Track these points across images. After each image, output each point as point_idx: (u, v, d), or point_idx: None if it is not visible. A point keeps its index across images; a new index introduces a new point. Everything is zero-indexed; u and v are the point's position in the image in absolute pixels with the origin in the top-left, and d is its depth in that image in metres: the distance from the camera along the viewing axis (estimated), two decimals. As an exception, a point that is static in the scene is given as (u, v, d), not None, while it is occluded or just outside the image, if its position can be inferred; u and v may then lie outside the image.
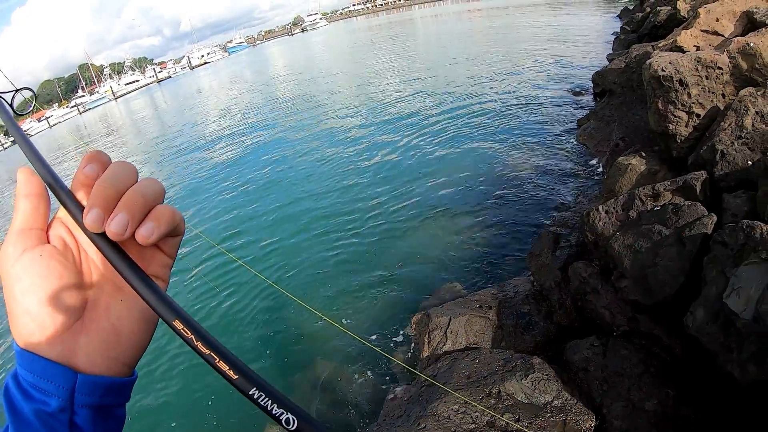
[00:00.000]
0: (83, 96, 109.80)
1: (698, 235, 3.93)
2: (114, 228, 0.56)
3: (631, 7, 23.48)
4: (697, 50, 5.77)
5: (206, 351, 0.57)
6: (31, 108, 1.01)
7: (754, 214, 3.74)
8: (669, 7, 11.94)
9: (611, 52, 15.27)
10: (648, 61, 5.65)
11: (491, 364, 4.48)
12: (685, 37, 6.37)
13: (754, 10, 5.91)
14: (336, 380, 6.01)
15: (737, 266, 3.26)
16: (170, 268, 0.68)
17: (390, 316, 6.81)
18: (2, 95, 0.83)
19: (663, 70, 5.35)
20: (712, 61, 5.07)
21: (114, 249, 0.59)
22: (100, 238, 0.58)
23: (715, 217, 3.94)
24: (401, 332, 6.36)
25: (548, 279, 5.73)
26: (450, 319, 5.51)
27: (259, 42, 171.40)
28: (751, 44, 4.86)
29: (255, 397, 0.56)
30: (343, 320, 7.08)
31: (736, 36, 5.23)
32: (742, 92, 4.62)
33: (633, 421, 3.63)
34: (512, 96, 15.65)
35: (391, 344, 6.28)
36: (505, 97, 15.80)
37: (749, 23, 5.95)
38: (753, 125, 4.38)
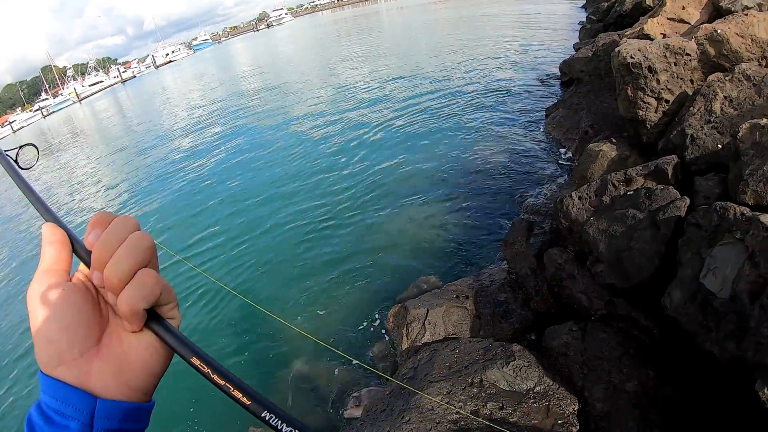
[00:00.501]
0: (47, 99, 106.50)
1: (672, 217, 3.98)
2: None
3: (595, -3, 23.80)
4: (664, 38, 5.85)
5: (222, 382, 0.65)
6: (35, 162, 1.06)
7: (726, 195, 3.80)
8: (634, -3, 12.11)
9: (578, 41, 15.43)
10: (617, 49, 5.71)
11: (471, 354, 4.48)
12: (652, 25, 6.45)
13: (719, -2, 6.02)
14: (317, 379, 5.96)
15: (712, 247, 3.31)
16: (176, 307, 0.72)
17: (367, 310, 6.77)
18: (7, 153, 0.96)
19: (632, 57, 5.41)
20: (680, 48, 5.14)
21: None
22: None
23: (688, 200, 4.00)
24: (379, 326, 6.33)
25: (523, 266, 5.75)
26: (427, 311, 5.50)
27: (224, 39, 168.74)
28: (719, 31, 4.94)
29: (267, 419, 0.64)
30: (319, 313, 7.04)
31: (702, 23, 5.32)
32: (711, 78, 4.70)
33: (615, 402, 3.67)
34: (480, 86, 15.72)
35: (370, 339, 6.25)
36: (472, 88, 15.86)
37: (715, 11, 6.06)
38: (722, 109, 4.46)
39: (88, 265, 0.69)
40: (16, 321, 9.82)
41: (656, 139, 5.40)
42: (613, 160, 5.95)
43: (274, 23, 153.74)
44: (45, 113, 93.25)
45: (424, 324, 5.42)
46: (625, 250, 4.27)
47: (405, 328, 5.51)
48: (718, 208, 3.34)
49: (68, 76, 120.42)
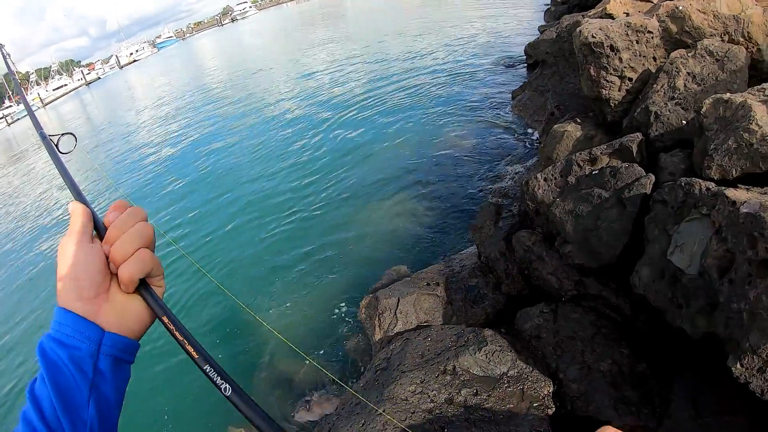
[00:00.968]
0: (11, 106, 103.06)
1: (638, 195, 3.97)
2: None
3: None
4: (627, 16, 5.84)
5: (180, 338, 0.88)
6: (73, 148, 1.34)
7: (691, 171, 3.80)
8: (596, -23, 12.13)
9: (543, 23, 15.45)
10: (578, 29, 5.67)
11: (444, 341, 4.43)
12: (615, 5, 6.45)
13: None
14: (291, 375, 5.88)
15: (678, 223, 3.30)
16: (163, 279, 0.97)
17: (339, 302, 6.71)
18: (51, 137, 1.28)
19: (593, 36, 5.38)
20: (642, 26, 5.13)
21: None
22: None
23: (653, 177, 3.98)
24: (352, 318, 6.26)
25: (493, 250, 5.73)
26: (398, 300, 5.44)
27: (188, 35, 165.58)
28: (680, 7, 4.93)
29: (207, 371, 0.85)
30: (289, 307, 6.96)
31: (664, 1, 5.30)
32: (673, 54, 4.69)
33: (590, 382, 3.66)
34: (445, 72, 15.69)
35: (344, 331, 6.19)
36: (438, 73, 15.83)
37: (675, -13, 6.07)
38: (685, 86, 4.46)
39: (101, 238, 0.91)
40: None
41: (621, 118, 5.39)
42: (578, 140, 5.94)
43: (238, 17, 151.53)
44: (9, 121, 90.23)
45: (395, 313, 5.36)
46: (592, 230, 4.25)
47: (377, 319, 5.44)
48: (683, 184, 3.32)
49: (31, 82, 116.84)
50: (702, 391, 3.08)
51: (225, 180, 13.34)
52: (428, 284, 5.70)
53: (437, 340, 4.50)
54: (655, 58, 5.16)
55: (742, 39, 4.70)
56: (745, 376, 2.50)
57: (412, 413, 3.63)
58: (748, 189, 3.08)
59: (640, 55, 5.19)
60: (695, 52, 4.52)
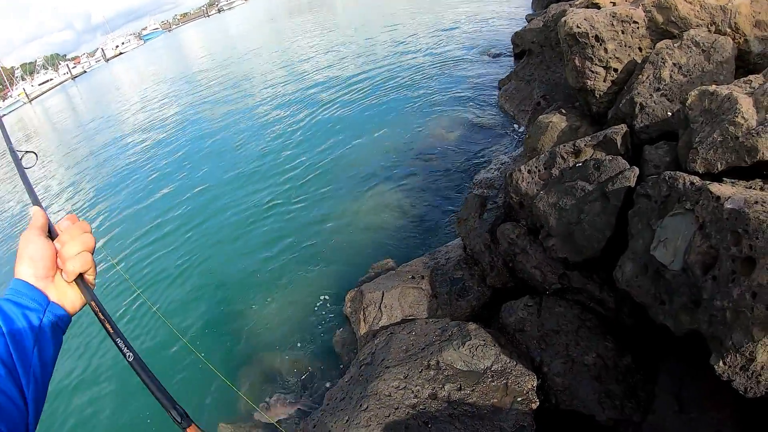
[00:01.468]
0: None
1: (621, 188, 3.93)
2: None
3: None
4: (613, 6, 5.78)
5: (102, 318, 1.20)
6: (34, 165, 1.73)
7: (676, 164, 3.77)
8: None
9: (531, 12, 15.36)
10: (563, 19, 5.62)
11: (428, 335, 4.40)
12: (600, -7, 6.39)
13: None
14: (278, 370, 5.85)
15: (662, 218, 3.27)
16: (95, 276, 1.26)
17: (325, 296, 6.69)
18: (18, 152, 1.66)
19: (578, 26, 5.33)
20: (627, 16, 5.08)
21: None
22: None
23: (637, 170, 3.95)
24: (338, 312, 6.22)
25: (478, 243, 5.69)
26: (383, 294, 5.41)
27: (175, 26, 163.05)
28: (665, -4, 4.89)
29: (119, 345, 1.17)
30: (277, 302, 6.93)
31: (649, -10, 5.25)
32: (659, 45, 4.65)
33: (574, 376, 3.65)
34: (431, 61, 15.59)
35: (330, 325, 6.16)
36: (423, 62, 15.73)
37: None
38: (671, 77, 4.42)
39: (52, 238, 1.20)
40: None
41: (606, 109, 5.36)
42: (563, 131, 5.90)
43: (225, 8, 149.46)
44: None
45: (380, 307, 5.32)
46: (576, 224, 4.22)
47: (362, 313, 5.41)
48: (667, 178, 3.29)
49: (17, 77, 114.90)
50: (686, 386, 3.08)
51: (205, 172, 13.29)
52: (413, 277, 5.66)
53: (421, 335, 4.47)
54: (640, 49, 5.12)
55: (729, 30, 4.66)
56: (728, 374, 2.48)
57: (396, 409, 3.60)
58: (733, 183, 3.05)
59: (625, 46, 5.14)
60: (681, 43, 4.48)
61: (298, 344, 6.09)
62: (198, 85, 28.82)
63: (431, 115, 11.18)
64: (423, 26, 21.66)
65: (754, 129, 3.07)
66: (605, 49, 5.18)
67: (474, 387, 3.71)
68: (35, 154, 1.74)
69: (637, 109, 4.50)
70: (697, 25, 4.78)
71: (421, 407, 3.60)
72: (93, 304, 1.19)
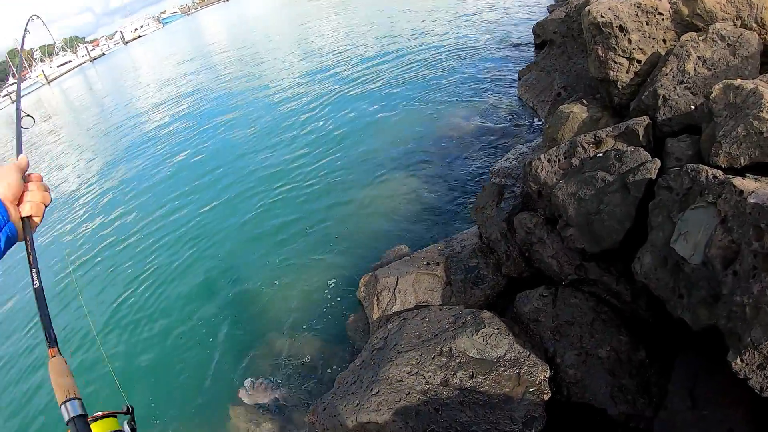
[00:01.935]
0: (14, 84, 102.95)
1: (642, 180, 3.89)
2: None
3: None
4: (637, -5, 5.69)
5: (31, 261, 1.55)
6: (31, 126, 2.29)
7: (698, 157, 3.73)
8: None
9: (552, 2, 15.18)
10: (587, 8, 5.54)
11: (441, 322, 4.41)
12: (625, -17, 6.29)
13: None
14: (291, 353, 5.90)
15: (683, 211, 3.24)
16: (41, 219, 1.57)
17: (339, 280, 6.72)
18: (21, 111, 2.20)
19: (602, 16, 5.25)
20: (652, 7, 5.00)
21: None
22: None
23: (659, 162, 3.90)
24: (352, 296, 6.24)
25: (494, 231, 5.67)
26: (397, 279, 5.42)
27: (194, 10, 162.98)
28: (692, -12, 4.80)
29: (33, 275, 1.52)
30: (291, 284, 6.97)
31: (675, -20, 5.17)
32: (684, 37, 4.58)
33: (587, 369, 3.64)
34: (452, 49, 15.46)
35: (344, 309, 6.18)
36: (444, 51, 15.61)
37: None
38: (695, 70, 4.35)
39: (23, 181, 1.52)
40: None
41: (628, 100, 5.29)
42: (583, 122, 5.85)
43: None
44: (14, 98, 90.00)
45: (394, 293, 5.34)
46: (595, 214, 4.19)
47: (375, 298, 5.42)
48: (689, 171, 3.26)
49: (35, 59, 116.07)
50: (700, 383, 3.06)
51: (218, 153, 13.43)
52: (428, 264, 5.66)
53: (435, 321, 4.48)
54: (665, 41, 5.04)
55: (755, 24, 4.57)
56: (744, 371, 2.46)
57: (407, 394, 3.63)
58: (756, 179, 3.01)
59: (649, 37, 5.07)
60: (706, 36, 4.40)
61: (309, 327, 6.13)
62: (215, 67, 29.16)
63: (449, 103, 11.12)
64: (443, 13, 21.47)
65: (780, 124, 3.02)
66: (629, 40, 5.11)
67: (486, 375, 3.72)
68: (33, 118, 2.30)
69: (660, 102, 4.44)
70: (723, 19, 4.69)
71: (432, 393, 3.62)
72: (27, 239, 1.51)
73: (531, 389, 3.55)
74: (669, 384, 3.23)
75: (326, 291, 6.60)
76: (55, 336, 1.42)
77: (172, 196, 11.69)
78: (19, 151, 1.84)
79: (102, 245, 10.54)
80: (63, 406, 1.17)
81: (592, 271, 4.23)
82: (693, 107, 4.23)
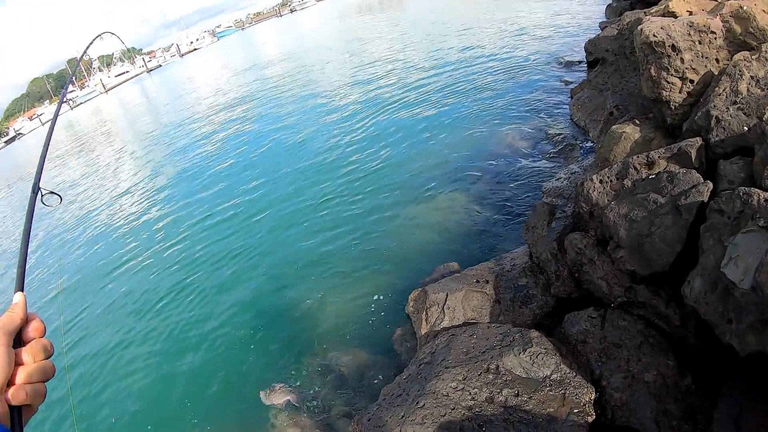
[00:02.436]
0: (74, 91, 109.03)
1: (694, 203, 3.87)
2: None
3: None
4: (689, 15, 5.66)
5: None
6: (56, 205, 1.58)
7: (751, 180, 3.69)
8: (661, -29, 11.69)
9: (604, 19, 15.03)
10: (639, 27, 5.54)
11: (489, 339, 4.47)
12: (678, 2, 6.24)
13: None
14: (336, 364, 6.04)
15: (734, 234, 3.22)
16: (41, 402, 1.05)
17: (388, 295, 6.82)
18: (41, 188, 1.45)
19: (655, 35, 5.24)
20: (704, 26, 4.97)
21: None
22: None
23: (711, 185, 3.88)
24: (400, 311, 6.34)
25: (544, 251, 5.68)
26: (447, 295, 5.49)
27: (248, 25, 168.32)
28: (745, 7, 4.75)
29: None
30: (341, 297, 7.11)
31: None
32: (736, 57, 4.53)
33: (633, 392, 3.63)
34: (503, 66, 15.48)
35: (391, 323, 6.29)
36: (494, 67, 15.65)
37: (742, -15, 5.84)
38: (748, 90, 4.30)
39: (16, 345, 1.01)
40: None
41: (681, 121, 5.25)
42: (636, 142, 5.81)
43: (297, 8, 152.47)
44: (72, 105, 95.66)
45: (443, 309, 5.42)
46: (646, 236, 4.17)
47: (424, 313, 5.51)
48: (741, 194, 3.23)
49: (94, 68, 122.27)
50: (746, 411, 3.02)
51: (267, 164, 13.97)
52: (477, 281, 5.72)
53: (483, 338, 4.53)
54: (717, 60, 4.99)
55: (811, 42, 4.50)
56: (792, 397, 2.45)
57: (452, 409, 3.70)
58: (808, 203, 2.98)
59: (702, 56, 5.03)
60: (759, 55, 4.35)
61: (355, 339, 6.27)
62: (267, 80, 30.13)
63: (500, 120, 11.15)
64: (493, 30, 21.52)
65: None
66: (681, 60, 5.08)
67: (531, 394, 3.75)
68: (60, 197, 1.61)
69: (712, 123, 4.40)
70: (777, 37, 4.64)
71: (477, 409, 3.67)
72: None
73: (576, 410, 3.56)
74: (714, 411, 3.19)
75: (373, 304, 6.73)
76: (22, 284, 1.19)
77: (220, 205, 12.20)
78: (20, 284, 1.18)
79: (152, 249, 11.19)
80: None
81: (642, 293, 4.20)
82: (746, 128, 4.18)
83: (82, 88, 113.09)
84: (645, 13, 7.23)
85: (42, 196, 1.49)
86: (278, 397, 5.75)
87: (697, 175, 4.06)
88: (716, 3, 5.99)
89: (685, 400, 3.49)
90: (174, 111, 32.58)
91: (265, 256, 9.04)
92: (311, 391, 5.70)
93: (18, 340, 1.02)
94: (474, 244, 7.28)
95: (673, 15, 5.94)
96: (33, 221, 1.37)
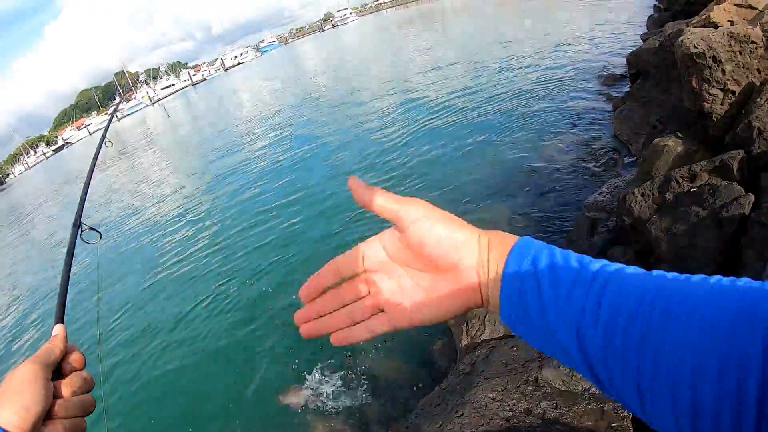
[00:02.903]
0: (119, 102, 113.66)
1: (735, 215, 3.85)
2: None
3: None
4: (731, 25, 5.61)
5: None
6: (97, 241, 1.56)
7: (793, 192, 3.66)
8: (702, -18, 11.53)
9: (645, 31, 14.86)
10: (680, 39, 5.53)
11: (529, 352, 4.49)
12: (719, 12, 6.19)
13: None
14: (374, 373, 6.12)
15: (776, 247, 3.21)
16: None
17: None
18: (83, 223, 1.48)
19: (695, 47, 5.22)
20: (745, 36, 4.93)
21: None
22: None
23: (752, 197, 3.85)
24: (441, 324, 6.37)
25: (586, 265, 5.67)
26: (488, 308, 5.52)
27: (290, 40, 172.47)
28: (786, 16, 4.72)
29: None
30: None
31: (770, 8, 5.08)
32: (778, 67, 4.50)
33: (672, 407, 3.60)
34: (542, 78, 15.42)
35: (431, 335, 6.33)
36: (533, 80, 15.60)
37: (785, -6, 5.77)
38: (790, 100, 4.27)
39: (55, 377, 0.98)
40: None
41: (723, 133, 5.20)
42: (678, 156, 5.77)
43: (339, 23, 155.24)
44: (119, 116, 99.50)
45: (483, 321, 5.45)
46: (688, 249, 4.16)
47: (465, 325, 5.56)
48: (782, 206, 3.23)
49: (140, 81, 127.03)
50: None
51: (309, 174, 14.30)
52: (518, 295, 5.73)
53: (523, 350, 4.56)
54: (759, 70, 4.94)
55: None
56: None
57: (490, 419, 3.74)
58: None
59: (743, 67, 4.98)
60: (803, 65, 4.31)
61: (394, 350, 6.32)
62: (308, 93, 31.05)
63: (541, 133, 11.10)
64: (533, 42, 21.45)
65: None
66: (723, 71, 5.05)
67: (570, 407, 3.76)
68: (100, 233, 1.61)
69: (754, 134, 4.37)
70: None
71: (515, 420, 3.71)
72: None
73: (614, 425, 3.55)
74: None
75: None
76: (62, 314, 1.21)
77: (258, 208, 12.69)
78: (60, 315, 1.19)
79: (194, 248, 11.62)
80: None
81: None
82: (789, 140, 4.15)
83: (128, 100, 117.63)
84: (686, 24, 7.18)
85: (82, 232, 1.52)
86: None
87: (739, 187, 4.04)
88: (757, 11, 5.93)
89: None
90: (216, 123, 33.97)
91: (298, 261, 9.33)
92: (347, 398, 5.80)
93: (57, 372, 1.00)
94: (515, 258, 7.27)
95: (714, 25, 5.91)
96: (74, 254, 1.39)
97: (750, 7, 6.09)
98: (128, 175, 27.89)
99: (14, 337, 11.56)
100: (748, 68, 4.98)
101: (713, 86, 5.17)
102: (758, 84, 4.84)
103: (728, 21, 5.99)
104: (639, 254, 4.97)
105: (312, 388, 6.07)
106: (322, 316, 0.83)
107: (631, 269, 0.66)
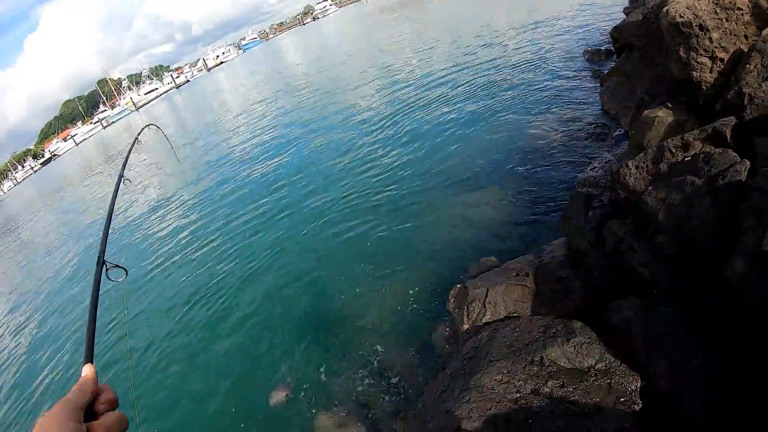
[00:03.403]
0: (105, 110, 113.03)
1: (732, 182, 3.82)
2: None
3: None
4: (716, -8, 5.56)
5: None
6: (122, 279, 1.56)
7: (790, 156, 3.63)
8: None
9: (628, 5, 14.82)
10: (665, 9, 5.48)
11: (532, 332, 4.47)
12: (703, -20, 6.15)
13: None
14: (379, 362, 6.10)
15: (775, 211, 3.18)
16: None
17: (428, 292, 6.86)
18: (107, 261, 1.49)
19: (681, 16, 5.18)
20: (731, 2, 4.89)
21: None
22: None
23: (748, 163, 3.83)
24: (441, 308, 6.38)
25: (583, 241, 5.66)
26: (487, 290, 5.51)
27: (272, 36, 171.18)
28: (771, -20, 4.67)
29: None
30: (381, 297, 7.16)
31: (755, -27, 5.02)
32: (765, 31, 4.46)
33: (679, 380, 3.59)
34: (527, 58, 15.42)
35: (432, 321, 6.33)
36: (519, 60, 15.61)
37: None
38: (780, 64, 4.24)
39: (88, 418, 0.95)
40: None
41: (713, 101, 5.17)
42: (669, 126, 5.74)
43: (320, 16, 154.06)
44: (105, 124, 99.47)
45: (484, 303, 5.43)
46: (685, 219, 4.14)
47: (465, 309, 5.53)
48: (779, 170, 3.20)
49: (123, 87, 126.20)
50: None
51: (301, 166, 14.39)
52: (517, 275, 5.72)
53: (526, 331, 4.54)
54: (746, 36, 4.91)
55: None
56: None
57: (498, 402, 3.72)
58: None
59: (730, 34, 4.95)
60: (791, 29, 4.28)
61: (396, 336, 6.33)
62: (292, 88, 31.26)
63: (531, 113, 11.09)
64: (517, 22, 21.43)
65: None
66: (710, 39, 5.01)
67: (577, 385, 3.75)
68: (126, 270, 1.60)
69: (745, 100, 4.34)
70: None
71: (522, 402, 3.69)
72: None
73: (622, 399, 3.55)
74: (766, 398, 3.14)
75: (412, 301, 6.79)
76: (91, 353, 1.21)
77: (252, 206, 12.62)
78: (89, 355, 1.19)
79: (190, 248, 11.65)
80: None
81: (684, 278, 4.16)
82: (781, 104, 4.12)
83: (113, 107, 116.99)
84: (670, -6, 7.12)
85: (107, 270, 1.53)
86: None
87: (734, 154, 4.02)
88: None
89: (734, 387, 3.43)
90: (202, 124, 34.11)
91: (298, 253, 9.35)
92: (353, 389, 5.80)
93: (90, 413, 0.98)
94: (511, 237, 7.28)
95: (699, -6, 5.85)
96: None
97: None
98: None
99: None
100: (735, 35, 4.94)
101: (701, 54, 5.14)
102: (746, 50, 4.80)
103: (712, -12, 5.93)
104: (637, 228, 4.95)
105: (318, 382, 6.05)
106: None
107: None
